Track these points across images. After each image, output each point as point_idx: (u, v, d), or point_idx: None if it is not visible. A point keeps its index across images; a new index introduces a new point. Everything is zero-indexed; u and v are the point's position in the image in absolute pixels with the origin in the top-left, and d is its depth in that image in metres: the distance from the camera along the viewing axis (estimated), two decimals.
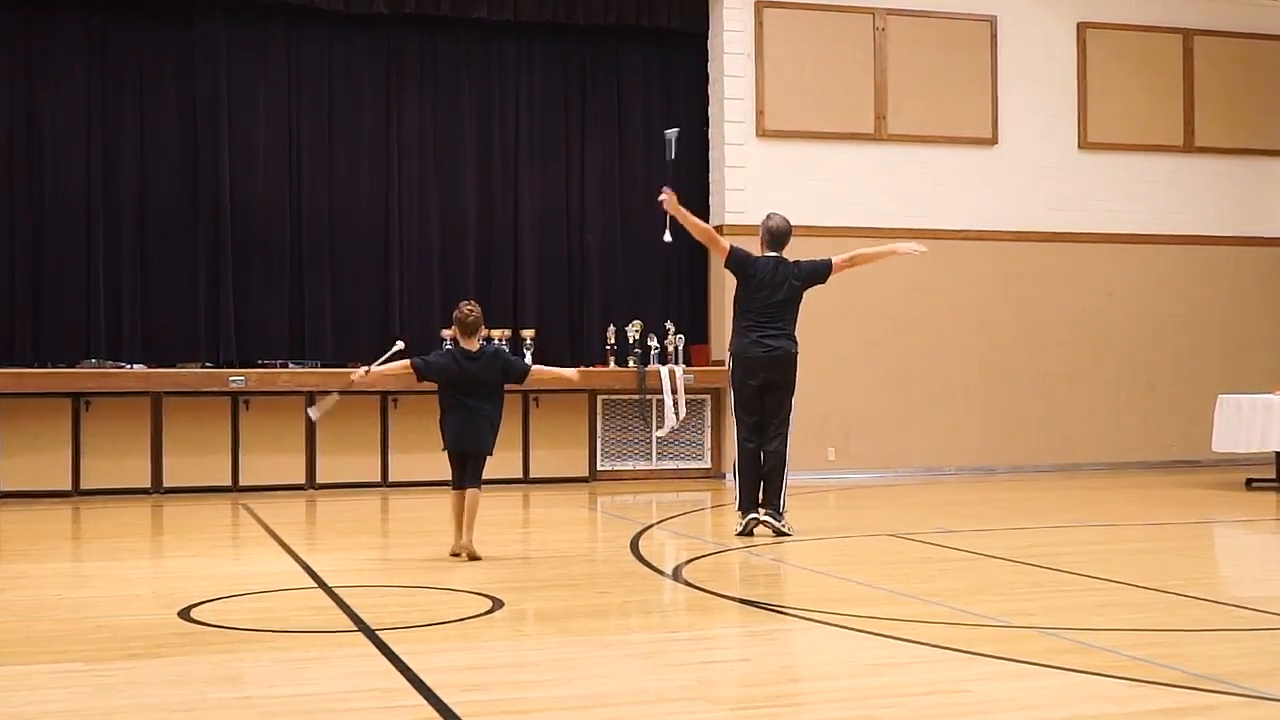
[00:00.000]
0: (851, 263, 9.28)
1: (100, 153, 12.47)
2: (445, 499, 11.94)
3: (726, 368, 9.11)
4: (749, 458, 8.94)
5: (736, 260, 9.06)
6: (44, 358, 12.23)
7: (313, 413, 8.63)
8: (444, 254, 13.29)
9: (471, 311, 8.15)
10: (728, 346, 9.25)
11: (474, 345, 8.16)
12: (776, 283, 9.04)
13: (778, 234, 9.23)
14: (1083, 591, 7.02)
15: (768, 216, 9.34)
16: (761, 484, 8.96)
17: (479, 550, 8.10)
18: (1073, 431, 14.44)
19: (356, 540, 9.19)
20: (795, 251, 13.56)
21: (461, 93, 13.37)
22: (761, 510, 8.91)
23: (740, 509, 8.98)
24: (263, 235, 12.80)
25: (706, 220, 13.83)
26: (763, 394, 8.99)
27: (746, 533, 8.86)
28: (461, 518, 8.13)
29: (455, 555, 8.11)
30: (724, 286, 13.46)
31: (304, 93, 12.96)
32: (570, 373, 8.59)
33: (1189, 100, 14.72)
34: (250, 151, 12.82)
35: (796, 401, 9.18)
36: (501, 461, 12.67)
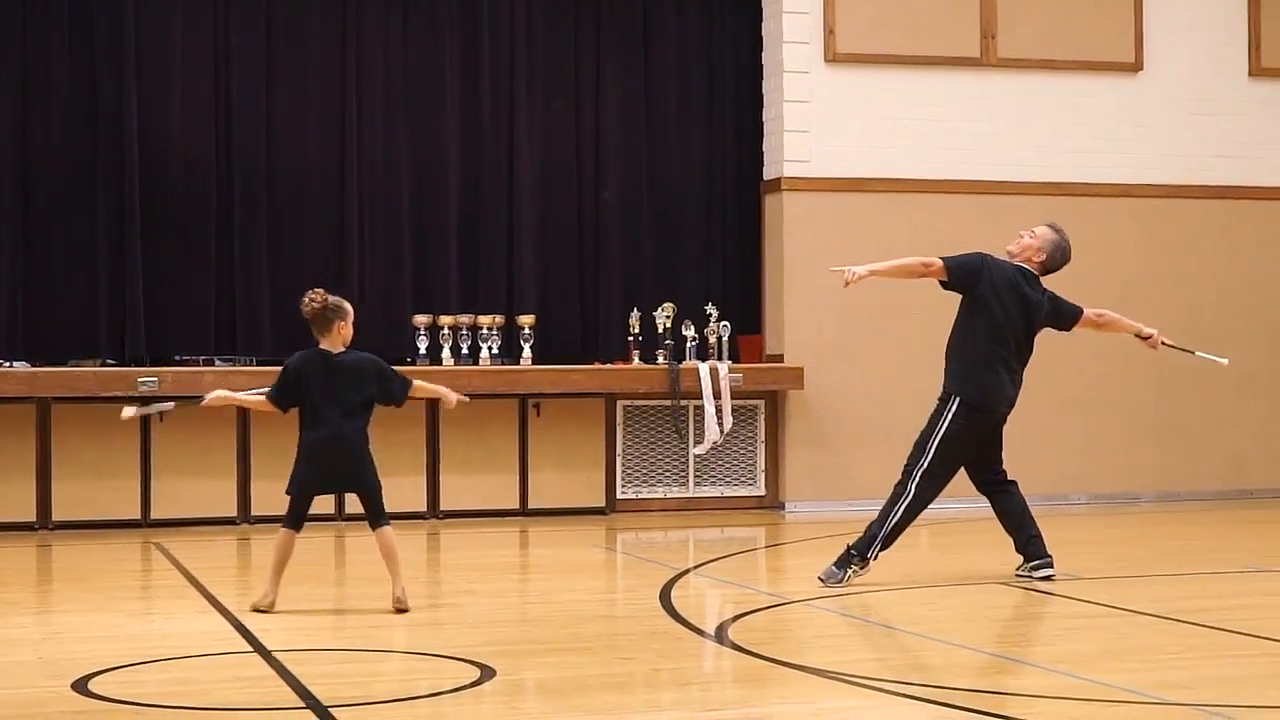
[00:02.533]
0: (1100, 323, 9.79)
1: None
2: (418, 538, 11.95)
3: (947, 411, 9.21)
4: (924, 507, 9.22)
5: (980, 267, 9.16)
6: None
7: (128, 411, 8.51)
8: (417, 220, 13.32)
9: (312, 301, 8.19)
10: (960, 390, 9.27)
11: (335, 345, 8.21)
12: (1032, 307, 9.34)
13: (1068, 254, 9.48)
14: (1255, 658, 6.98)
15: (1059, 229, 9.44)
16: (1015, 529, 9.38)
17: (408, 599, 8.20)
18: (1243, 448, 14.38)
19: (304, 590, 9.20)
20: (864, 214, 13.70)
21: (439, 9, 13.40)
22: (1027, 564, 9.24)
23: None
24: (181, 197, 12.85)
25: (760, 175, 13.85)
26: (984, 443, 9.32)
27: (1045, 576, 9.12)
28: (283, 565, 8.27)
29: (257, 610, 8.14)
30: (781, 261, 13.47)
31: (234, 10, 13.00)
32: (450, 395, 8.51)
33: None
34: (164, 88, 12.86)
35: None
36: (492, 487, 12.77)
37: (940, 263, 9.14)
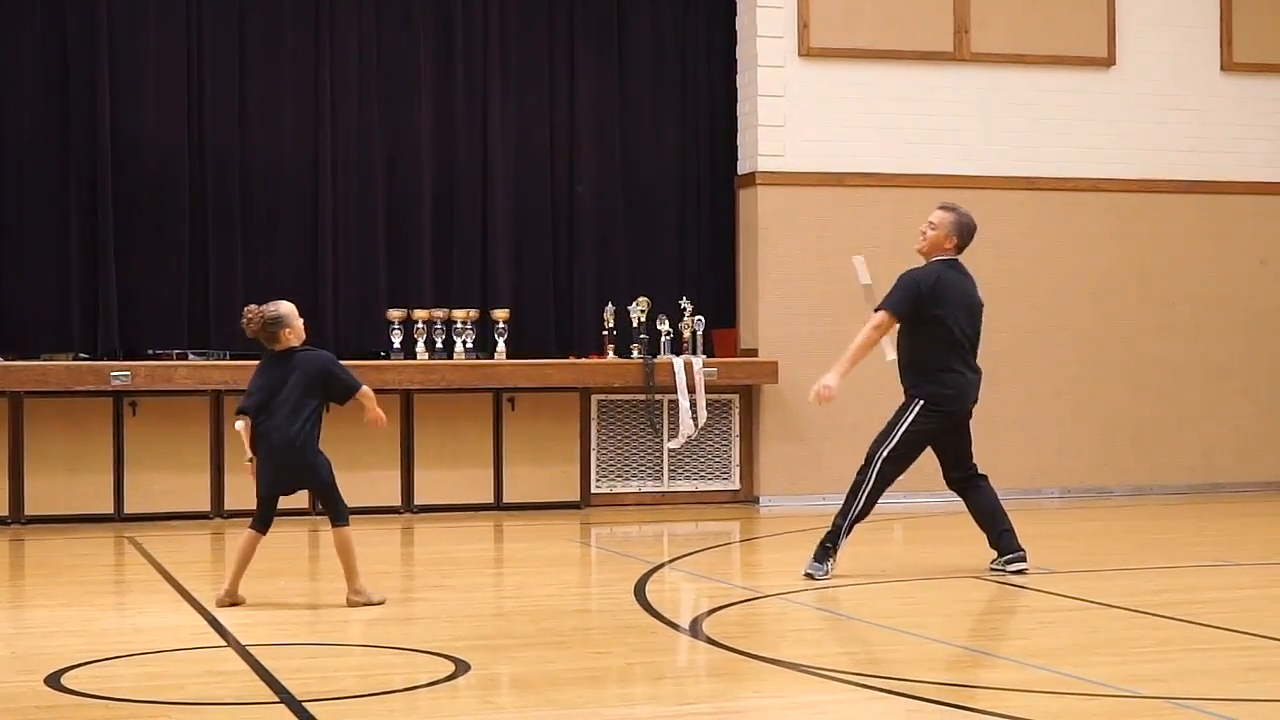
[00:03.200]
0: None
1: None
2: (392, 532, 11.95)
3: (910, 410, 9.22)
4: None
5: (916, 296, 9.18)
6: None
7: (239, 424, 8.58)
8: (390, 213, 13.30)
9: (250, 322, 8.19)
10: (923, 393, 9.28)
11: (280, 345, 8.22)
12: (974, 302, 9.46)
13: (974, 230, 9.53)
14: (1227, 651, 7.01)
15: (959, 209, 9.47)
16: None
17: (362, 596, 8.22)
18: (1214, 442, 14.43)
19: (277, 584, 9.20)
20: (838, 208, 13.72)
21: (413, 3, 13.37)
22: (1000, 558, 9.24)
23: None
24: (154, 189, 12.81)
25: (735, 170, 13.87)
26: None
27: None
28: (245, 561, 8.28)
29: (222, 605, 8.16)
30: (755, 255, 13.48)
31: (206, 4, 12.95)
32: (377, 413, 8.40)
33: None
34: (136, 79, 12.82)
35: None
36: (467, 482, 12.76)
37: (887, 316, 9.21)
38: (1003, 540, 9.26)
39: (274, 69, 13.12)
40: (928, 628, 7.54)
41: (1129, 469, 14.24)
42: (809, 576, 8.93)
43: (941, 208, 9.51)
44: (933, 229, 9.38)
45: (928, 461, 13.66)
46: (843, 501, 9.17)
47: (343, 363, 12.36)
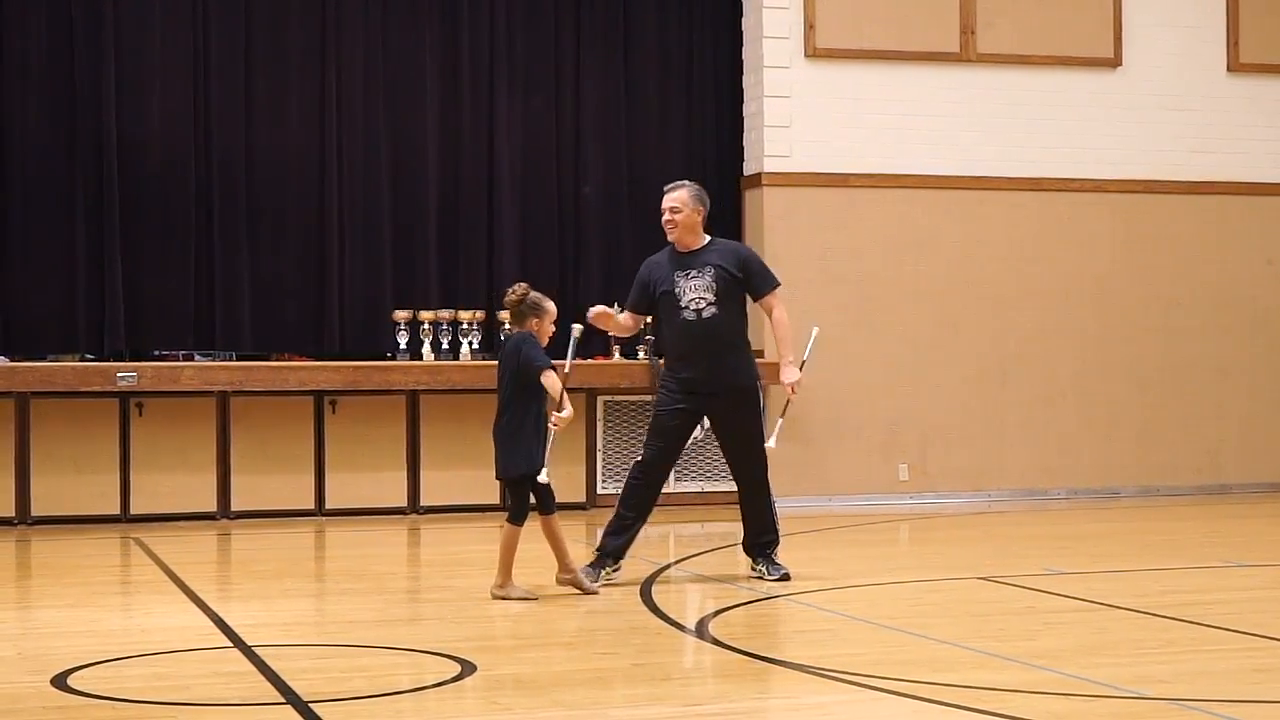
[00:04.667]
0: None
1: None
2: (396, 533, 11.96)
3: (760, 402, 9.26)
4: None
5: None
6: None
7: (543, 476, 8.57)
8: (396, 213, 13.30)
9: (512, 292, 8.43)
10: (757, 377, 9.30)
11: (523, 330, 8.45)
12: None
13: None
14: (1234, 653, 7.01)
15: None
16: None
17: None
18: (1221, 443, 14.43)
19: (283, 585, 9.20)
20: (844, 209, 13.70)
21: (419, 3, 13.37)
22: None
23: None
24: (160, 189, 12.82)
25: (740, 171, 13.87)
26: None
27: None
28: (504, 556, 8.50)
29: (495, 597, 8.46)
30: (761, 254, 13.45)
31: (213, 3, 12.95)
32: (566, 410, 8.32)
33: None
34: (143, 79, 12.83)
35: None
36: (473, 483, 12.75)
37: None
38: (759, 545, 9.16)
39: (280, 69, 13.12)
40: (934, 629, 7.54)
41: (1135, 470, 14.23)
42: (787, 580, 8.90)
43: (668, 190, 9.24)
44: (677, 212, 9.09)
45: (932, 459, 13.72)
46: (768, 513, 9.08)
47: (348, 363, 12.43)
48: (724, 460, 9.39)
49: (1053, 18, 14.04)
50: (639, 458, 9.25)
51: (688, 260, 9.02)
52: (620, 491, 9.29)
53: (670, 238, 9.13)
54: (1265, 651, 6.99)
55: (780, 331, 9.14)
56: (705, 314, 8.89)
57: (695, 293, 8.92)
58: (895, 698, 6.07)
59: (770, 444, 9.14)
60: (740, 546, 9.27)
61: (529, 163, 13.59)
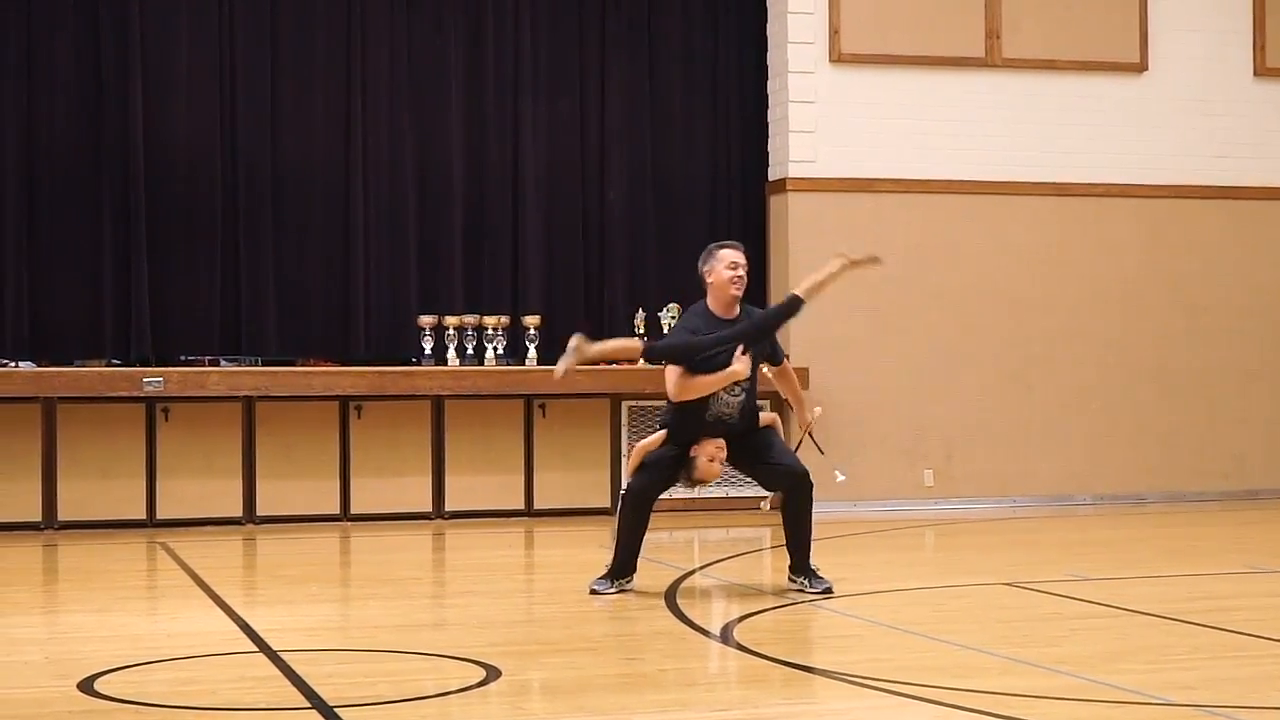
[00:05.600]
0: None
1: None
2: (424, 538, 12.00)
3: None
4: None
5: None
6: None
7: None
8: (421, 218, 13.33)
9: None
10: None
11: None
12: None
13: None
14: (1260, 659, 6.99)
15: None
16: None
17: None
18: (1248, 448, 14.38)
19: (308, 590, 9.23)
20: (869, 214, 13.70)
21: (443, 8, 13.41)
22: None
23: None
24: (186, 195, 12.86)
25: (765, 176, 13.88)
26: None
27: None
28: None
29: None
30: (786, 261, 13.48)
31: (239, 9, 13.01)
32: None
33: None
34: (169, 86, 12.87)
35: None
36: (498, 488, 12.79)
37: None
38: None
39: (306, 76, 13.16)
40: (958, 634, 7.54)
41: (1161, 475, 14.19)
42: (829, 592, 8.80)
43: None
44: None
45: (958, 464, 13.71)
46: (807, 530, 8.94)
47: (374, 368, 12.46)
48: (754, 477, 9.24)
49: (1078, 22, 14.02)
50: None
51: (729, 325, 8.73)
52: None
53: (736, 293, 8.77)
54: None
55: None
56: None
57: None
58: (920, 703, 6.07)
59: (841, 478, 9.09)
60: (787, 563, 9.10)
61: (554, 168, 13.60)
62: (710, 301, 8.78)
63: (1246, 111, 14.41)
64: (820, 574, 8.85)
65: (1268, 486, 14.36)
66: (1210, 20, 14.34)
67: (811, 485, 8.85)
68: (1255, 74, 14.44)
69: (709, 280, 8.76)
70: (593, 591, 8.75)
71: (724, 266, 8.71)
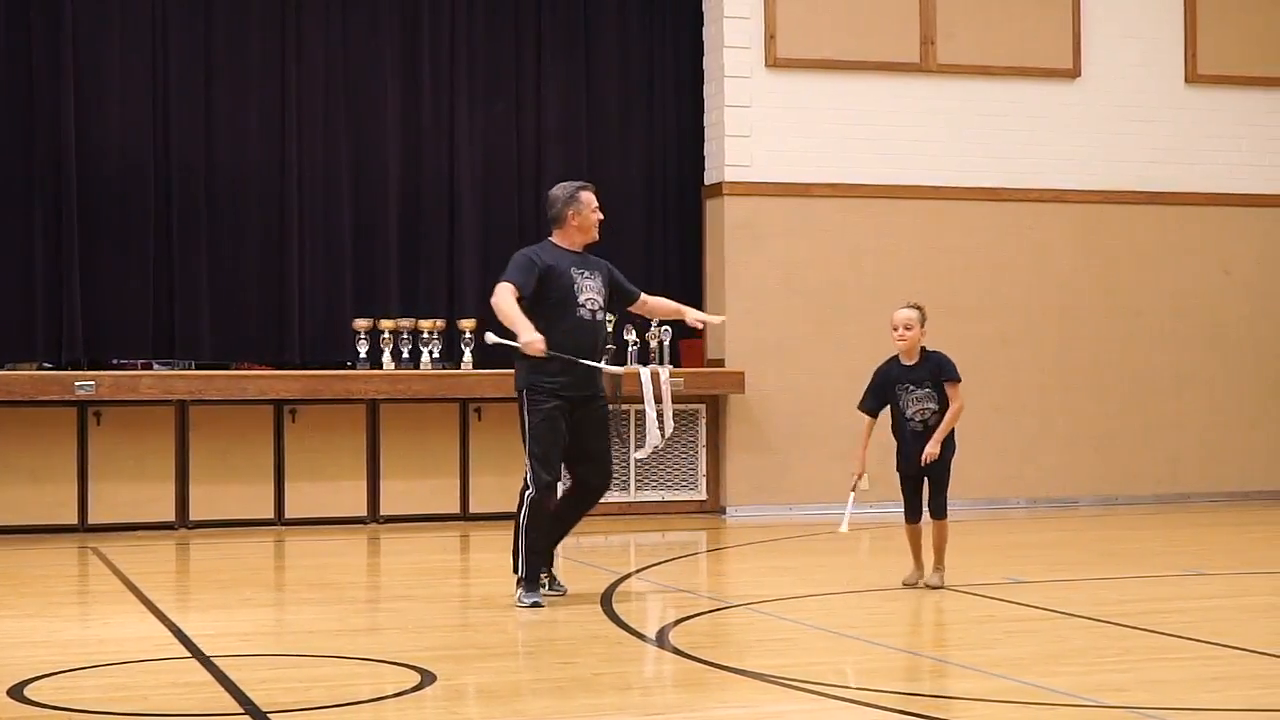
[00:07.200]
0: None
1: None
2: (359, 542, 11.96)
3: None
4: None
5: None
6: None
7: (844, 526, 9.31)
8: (357, 222, 13.28)
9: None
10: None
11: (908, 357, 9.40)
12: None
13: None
14: (1191, 661, 7.04)
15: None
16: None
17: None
18: (1179, 452, 14.50)
19: (242, 595, 9.18)
20: (805, 219, 13.72)
21: (379, 11, 13.37)
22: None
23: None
24: (118, 197, 12.76)
25: (701, 180, 13.91)
26: None
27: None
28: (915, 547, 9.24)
29: (907, 585, 9.06)
30: (722, 265, 13.51)
31: (171, 11, 12.93)
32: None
33: None
34: (102, 87, 12.78)
35: None
36: (434, 492, 12.75)
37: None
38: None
39: (240, 76, 13.09)
40: (894, 638, 7.57)
41: (1095, 479, 14.29)
42: None
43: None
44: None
45: (891, 468, 13.72)
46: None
47: (308, 372, 12.44)
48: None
49: (1013, 28, 14.10)
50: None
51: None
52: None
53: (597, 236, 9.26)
54: (1222, 659, 7.03)
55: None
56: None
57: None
58: (855, 706, 6.08)
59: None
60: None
61: (490, 171, 13.58)
62: (559, 238, 9.12)
63: (1178, 118, 14.53)
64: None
65: (1201, 490, 14.48)
66: (1143, 28, 14.46)
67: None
68: (1187, 81, 14.56)
69: (573, 222, 9.09)
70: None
71: (590, 210, 9.16)
